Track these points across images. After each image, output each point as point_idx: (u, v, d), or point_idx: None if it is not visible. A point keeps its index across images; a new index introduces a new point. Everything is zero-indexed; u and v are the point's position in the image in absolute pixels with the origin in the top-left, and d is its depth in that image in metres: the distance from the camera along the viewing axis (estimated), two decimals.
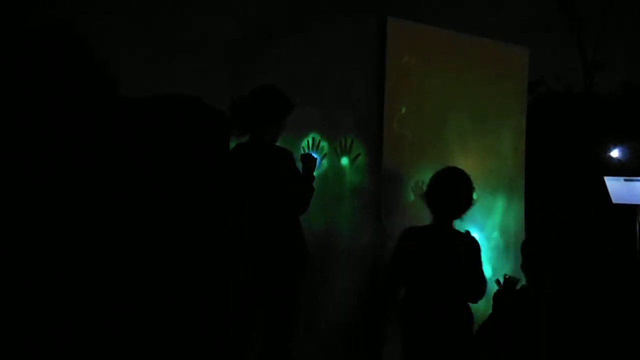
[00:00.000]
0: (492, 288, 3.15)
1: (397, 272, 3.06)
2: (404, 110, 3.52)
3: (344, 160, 3.52)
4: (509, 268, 3.70)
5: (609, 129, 7.23)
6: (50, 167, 3.37)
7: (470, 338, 3.01)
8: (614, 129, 7.16)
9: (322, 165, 3.54)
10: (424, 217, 3.53)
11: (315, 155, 3.36)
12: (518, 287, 3.09)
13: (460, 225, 3.18)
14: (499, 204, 3.78)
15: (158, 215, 3.38)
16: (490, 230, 3.60)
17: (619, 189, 4.80)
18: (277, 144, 3.33)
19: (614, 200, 4.86)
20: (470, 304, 3.02)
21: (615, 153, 6.49)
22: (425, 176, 3.55)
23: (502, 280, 3.07)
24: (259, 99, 3.25)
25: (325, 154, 3.55)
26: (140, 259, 3.35)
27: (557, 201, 6.40)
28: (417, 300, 2.99)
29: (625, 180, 4.77)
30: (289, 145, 3.42)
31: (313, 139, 3.57)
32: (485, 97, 3.82)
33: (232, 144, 3.43)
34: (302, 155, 3.33)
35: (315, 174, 3.32)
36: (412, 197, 3.55)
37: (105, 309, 3.29)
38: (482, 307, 3.16)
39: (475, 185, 3.11)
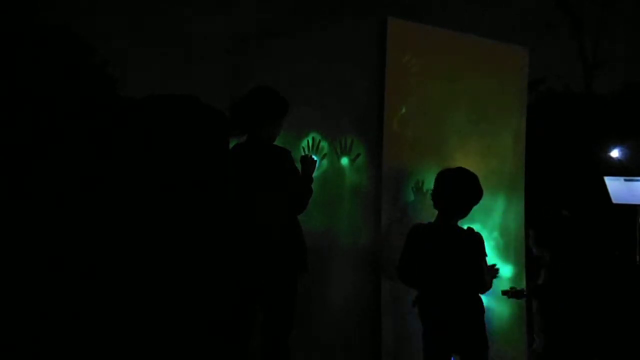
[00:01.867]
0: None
1: (408, 267, 3.19)
2: (404, 110, 3.51)
3: (344, 160, 3.52)
4: (509, 268, 3.70)
5: (609, 129, 7.23)
6: (49, 167, 3.37)
7: (483, 326, 3.17)
8: (614, 129, 7.16)
9: (322, 165, 3.53)
10: (424, 217, 3.54)
11: (314, 158, 3.37)
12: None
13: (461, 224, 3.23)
14: (499, 204, 3.77)
15: (157, 215, 3.38)
16: (490, 230, 3.60)
17: (619, 189, 4.80)
18: (278, 143, 3.33)
19: (614, 200, 4.85)
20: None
21: (615, 153, 6.49)
22: (425, 176, 3.56)
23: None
24: (255, 99, 3.25)
25: (325, 154, 3.54)
26: (139, 259, 3.35)
27: (557, 201, 6.39)
28: (431, 295, 3.14)
29: (625, 180, 4.76)
30: (289, 145, 3.42)
31: (313, 139, 3.56)
32: (485, 97, 3.82)
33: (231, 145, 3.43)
34: (302, 157, 3.33)
35: (315, 174, 3.31)
36: (412, 197, 3.54)
37: (105, 308, 3.29)
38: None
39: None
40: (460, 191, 3.17)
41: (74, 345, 3.22)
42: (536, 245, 3.40)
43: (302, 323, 3.47)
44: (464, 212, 3.21)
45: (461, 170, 3.23)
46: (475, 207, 3.25)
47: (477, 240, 3.17)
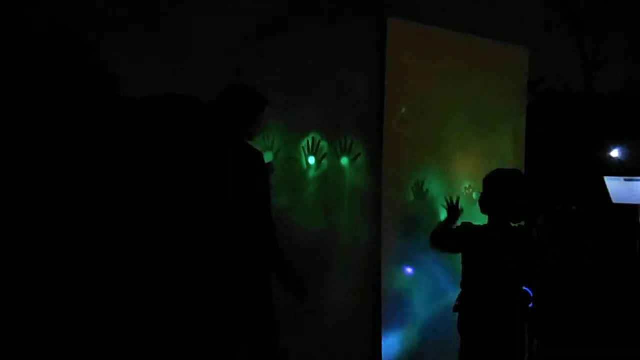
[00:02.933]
0: None
1: (446, 235, 3.16)
2: (404, 110, 3.52)
3: (344, 160, 3.52)
4: None
5: (609, 129, 7.23)
6: (48, 167, 3.36)
7: (524, 331, 3.11)
8: (614, 129, 7.16)
9: (322, 165, 3.54)
10: (424, 217, 3.54)
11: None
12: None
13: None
14: None
15: (157, 215, 3.38)
16: None
17: (619, 189, 4.80)
18: (279, 143, 3.31)
19: (614, 200, 4.85)
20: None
21: (615, 153, 6.48)
22: (425, 176, 3.56)
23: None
24: (228, 99, 3.21)
25: (325, 154, 3.54)
26: (139, 259, 3.34)
27: (557, 201, 6.39)
28: (481, 292, 3.05)
29: (625, 180, 4.77)
30: (289, 145, 3.42)
31: (313, 139, 3.56)
32: (485, 97, 3.82)
33: None
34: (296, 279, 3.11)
35: (315, 174, 3.30)
36: (412, 197, 3.55)
37: (104, 308, 3.29)
38: None
39: (475, 185, 3.15)
40: (518, 192, 3.07)
41: (73, 345, 3.22)
42: (540, 230, 3.38)
43: (302, 323, 3.47)
44: (521, 216, 3.12)
45: (517, 172, 3.19)
46: (475, 207, 3.24)
47: (532, 239, 3.14)
